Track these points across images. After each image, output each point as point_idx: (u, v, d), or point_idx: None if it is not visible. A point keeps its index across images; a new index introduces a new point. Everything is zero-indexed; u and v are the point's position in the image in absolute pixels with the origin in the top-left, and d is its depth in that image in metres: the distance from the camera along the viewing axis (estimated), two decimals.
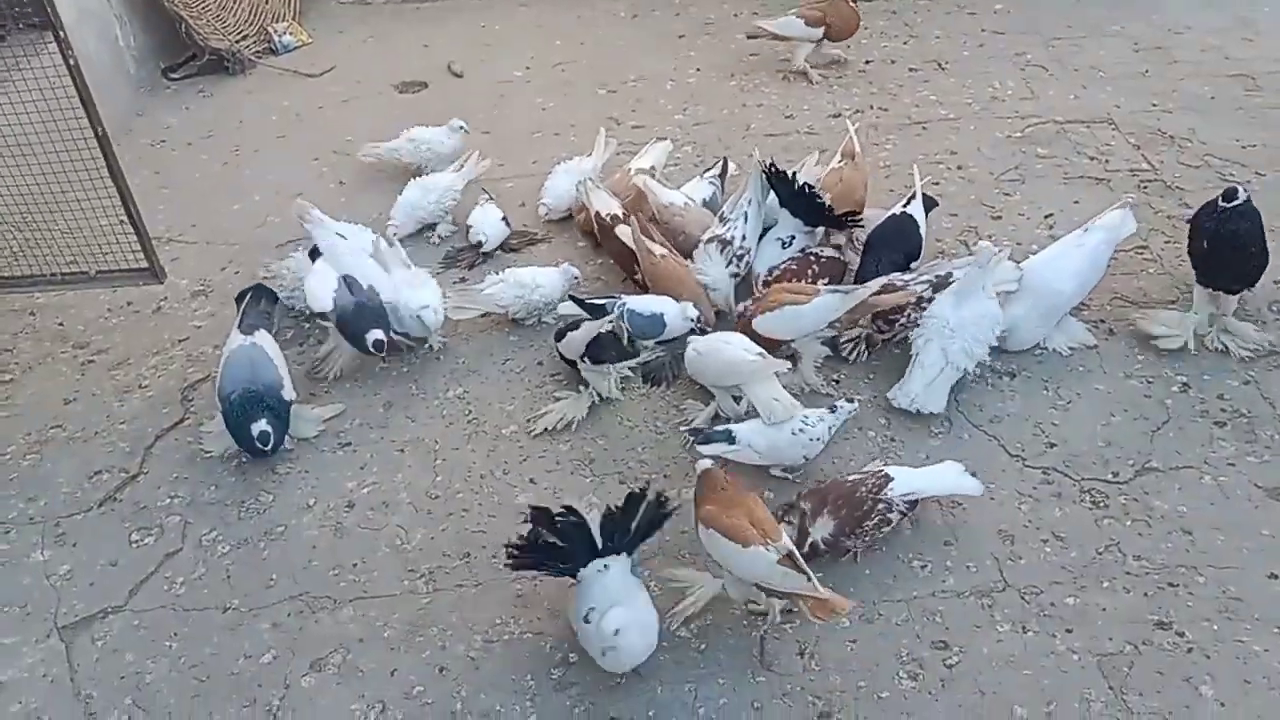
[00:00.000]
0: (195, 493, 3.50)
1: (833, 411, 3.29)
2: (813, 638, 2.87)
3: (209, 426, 3.64)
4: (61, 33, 3.19)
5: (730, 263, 3.93)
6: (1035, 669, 2.75)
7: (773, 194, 4.13)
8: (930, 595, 2.96)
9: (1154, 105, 5.20)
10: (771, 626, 2.89)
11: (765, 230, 4.14)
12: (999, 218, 4.52)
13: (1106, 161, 4.83)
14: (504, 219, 4.50)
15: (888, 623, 2.89)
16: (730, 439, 3.22)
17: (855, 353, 3.76)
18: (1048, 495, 3.23)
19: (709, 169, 4.69)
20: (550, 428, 3.61)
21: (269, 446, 3.40)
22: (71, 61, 3.21)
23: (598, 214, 4.17)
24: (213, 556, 3.28)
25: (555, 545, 2.80)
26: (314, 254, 4.01)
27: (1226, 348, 3.64)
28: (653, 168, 4.60)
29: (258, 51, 6.34)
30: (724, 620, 2.94)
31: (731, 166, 4.72)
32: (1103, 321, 3.86)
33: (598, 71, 5.95)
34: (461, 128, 5.07)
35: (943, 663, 2.78)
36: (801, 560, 2.73)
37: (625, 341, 3.69)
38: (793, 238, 4.07)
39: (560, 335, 3.74)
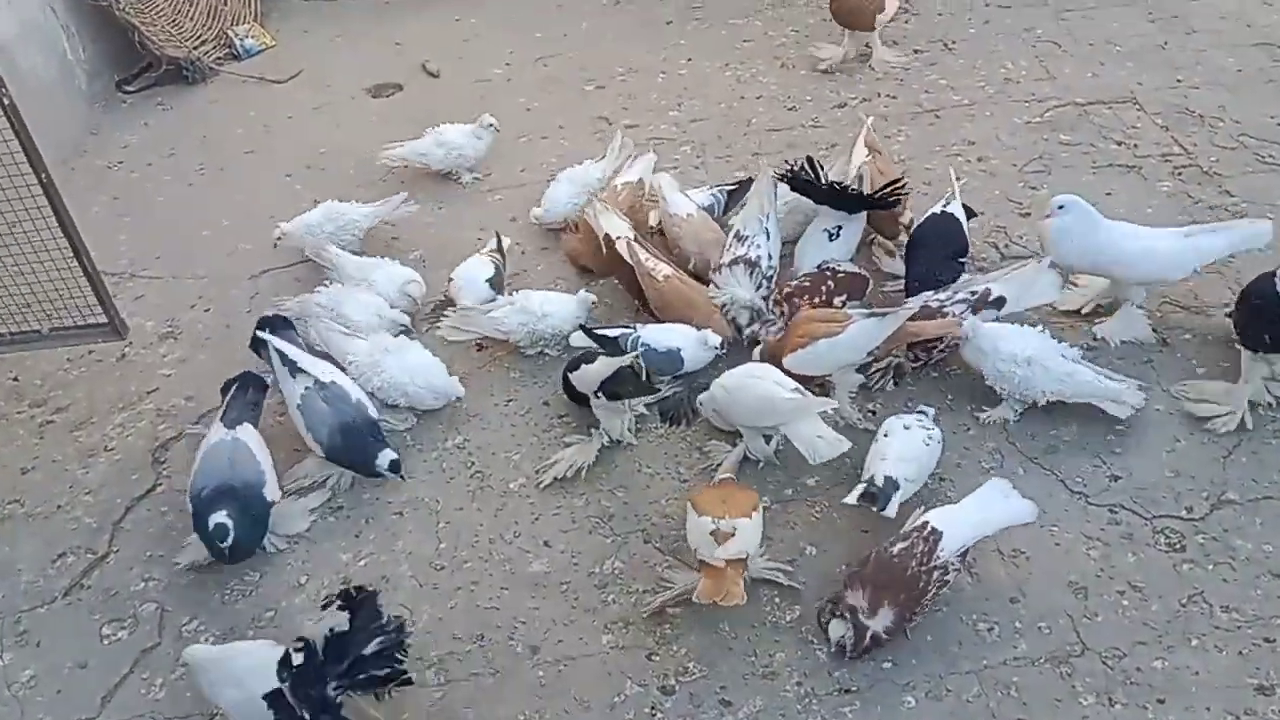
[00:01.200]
0: (172, 574, 3.16)
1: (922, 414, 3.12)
2: None
3: (190, 539, 3.15)
4: None
5: (760, 286, 3.59)
6: None
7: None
8: (1002, 664, 2.65)
9: (1178, 81, 4.87)
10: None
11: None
12: (1027, 214, 4.19)
13: (1135, 146, 4.51)
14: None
15: (958, 699, 2.59)
16: (897, 486, 2.90)
17: (883, 383, 3.44)
18: (1118, 538, 2.92)
19: (724, 184, 4.31)
20: (560, 477, 3.29)
21: (226, 543, 2.89)
22: (6, 101, 2.82)
23: (607, 237, 3.82)
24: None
25: None
26: (257, 340, 3.45)
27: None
28: (640, 181, 4.23)
29: (218, 58, 5.93)
30: (776, 704, 2.63)
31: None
32: (1154, 330, 3.54)
33: (583, 65, 5.57)
34: (492, 125, 4.71)
35: None
36: (736, 538, 2.72)
37: (644, 376, 3.34)
38: (839, 228, 3.76)
39: (574, 366, 3.40)
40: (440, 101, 5.44)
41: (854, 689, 2.62)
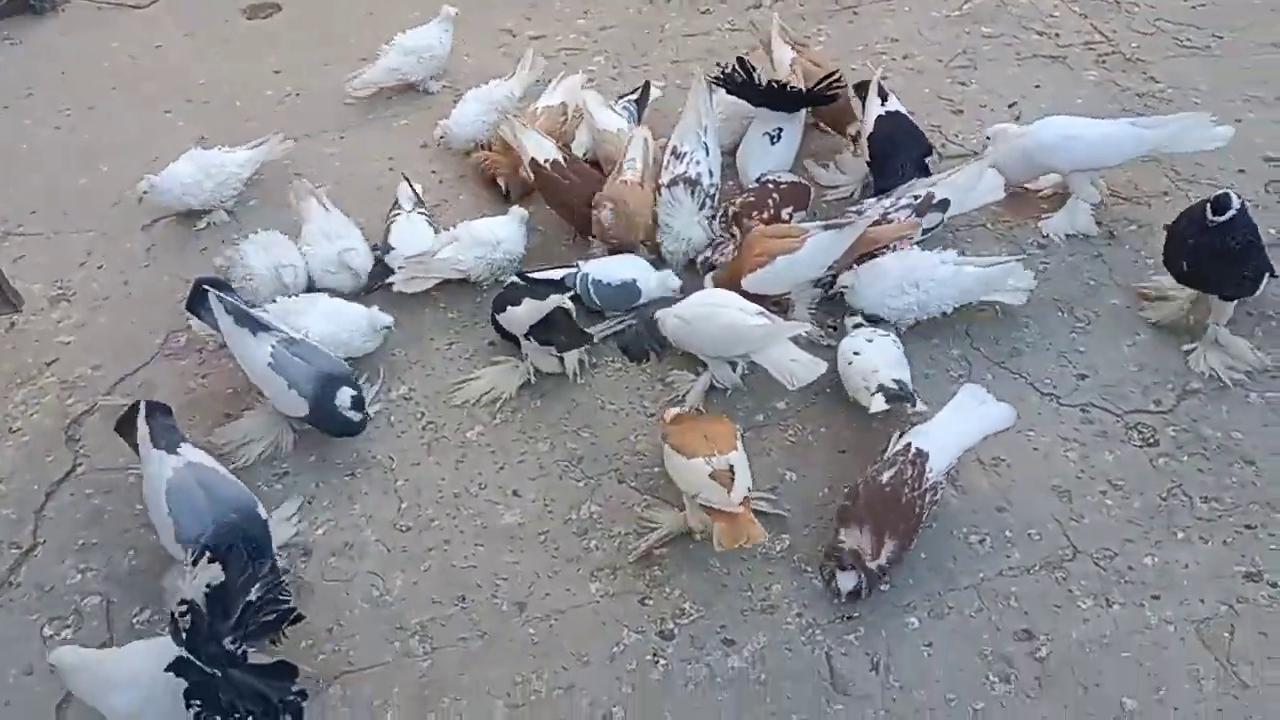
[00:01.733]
0: (110, 561, 2.89)
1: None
2: (883, 646, 2.54)
3: (168, 579, 2.75)
4: None
5: (703, 206, 3.43)
6: (1133, 649, 2.48)
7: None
8: (998, 575, 2.65)
9: None
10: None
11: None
12: (960, 112, 4.15)
13: (1057, 36, 4.49)
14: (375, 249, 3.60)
15: (961, 616, 2.58)
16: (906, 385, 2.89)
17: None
18: (1093, 437, 2.94)
19: (626, 95, 4.10)
20: (472, 400, 3.15)
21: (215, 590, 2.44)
22: None
23: (533, 161, 3.58)
24: None
25: None
26: (195, 299, 3.10)
27: (1215, 372, 3.02)
28: (563, 105, 3.98)
29: None
30: (779, 638, 2.58)
31: (654, 90, 4.15)
32: (1100, 224, 3.54)
33: None
34: (453, 14, 4.37)
35: (1032, 656, 2.49)
36: (739, 478, 2.60)
37: (579, 317, 3.19)
38: (780, 130, 3.65)
39: (500, 307, 3.21)
40: (324, 19, 5.06)
41: (856, 615, 2.58)
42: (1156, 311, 3.21)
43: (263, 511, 2.70)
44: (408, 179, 3.80)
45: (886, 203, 3.40)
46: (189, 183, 3.84)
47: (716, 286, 3.24)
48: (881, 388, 2.83)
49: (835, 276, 3.24)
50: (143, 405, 2.84)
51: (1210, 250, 2.92)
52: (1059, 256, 3.45)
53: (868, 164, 3.61)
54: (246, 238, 3.57)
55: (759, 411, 3.10)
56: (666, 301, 3.22)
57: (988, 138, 3.62)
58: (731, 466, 2.61)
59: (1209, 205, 2.88)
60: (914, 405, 2.84)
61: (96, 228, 3.98)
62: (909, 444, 2.68)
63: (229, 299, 3.04)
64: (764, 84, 3.58)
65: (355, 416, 3.00)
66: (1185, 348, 3.10)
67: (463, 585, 2.76)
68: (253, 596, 2.41)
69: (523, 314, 3.11)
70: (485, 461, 3.05)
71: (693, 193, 3.40)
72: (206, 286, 3.05)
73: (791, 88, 3.60)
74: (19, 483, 3.11)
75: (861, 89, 3.77)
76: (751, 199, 3.50)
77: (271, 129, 4.33)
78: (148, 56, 4.94)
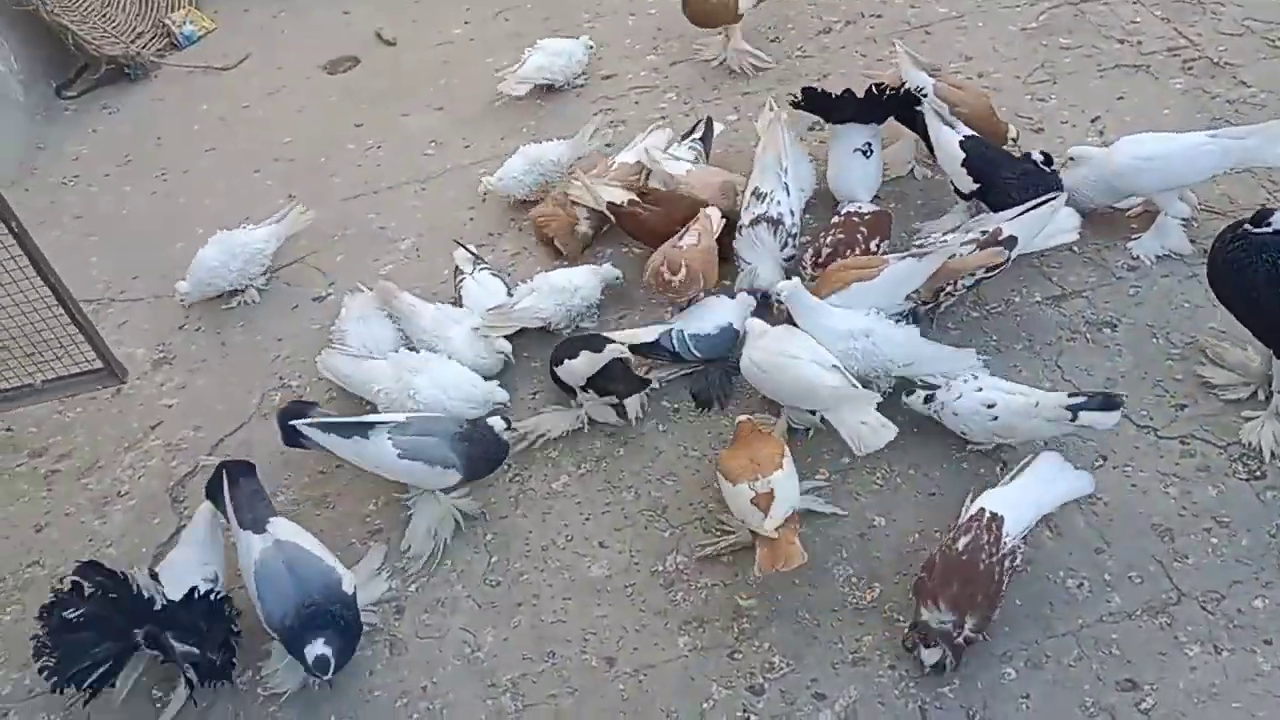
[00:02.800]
0: None
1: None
2: (979, 699, 2.49)
3: (270, 664, 2.83)
4: None
5: (785, 245, 3.41)
6: (1244, 699, 2.39)
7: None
8: (1098, 621, 2.57)
9: None
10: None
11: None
12: (1040, 130, 4.03)
13: (1139, 43, 4.33)
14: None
15: (1059, 665, 2.50)
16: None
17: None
18: (1194, 472, 2.83)
19: (688, 133, 4.09)
20: (530, 443, 3.19)
21: (329, 674, 2.61)
22: None
23: (610, 205, 3.65)
24: (256, 703, 2.80)
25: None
26: (289, 437, 2.99)
27: (1272, 450, 2.80)
28: (638, 164, 3.96)
29: (158, 50, 5.59)
30: (872, 691, 2.54)
31: (717, 126, 4.14)
32: (1194, 241, 3.42)
33: (546, 15, 5.29)
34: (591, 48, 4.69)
35: (1136, 708, 2.42)
36: (777, 504, 2.63)
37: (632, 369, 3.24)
38: (869, 144, 3.62)
39: (558, 360, 3.24)
40: (402, 70, 5.17)
41: (943, 667, 2.52)
42: (1216, 375, 3.02)
43: (349, 585, 2.74)
44: (460, 243, 3.83)
45: (950, 237, 3.31)
46: (215, 266, 3.91)
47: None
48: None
49: None
50: (225, 472, 2.88)
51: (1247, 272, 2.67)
52: (1151, 279, 3.34)
53: (969, 194, 3.50)
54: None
55: (845, 453, 3.05)
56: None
57: (1070, 158, 3.52)
58: (772, 490, 2.63)
59: (1250, 218, 2.69)
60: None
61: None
62: (982, 509, 2.59)
63: (321, 420, 3.00)
64: (848, 97, 3.59)
65: (508, 437, 3.07)
66: (1245, 413, 2.92)
67: (552, 640, 2.79)
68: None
69: (580, 366, 3.15)
70: (571, 513, 3.08)
71: (774, 232, 3.39)
72: (294, 424, 2.99)
73: (885, 91, 3.57)
74: (127, 545, 3.25)
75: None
76: (841, 236, 3.45)
77: (356, 183, 4.48)
78: (236, 117, 5.12)
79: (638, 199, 3.67)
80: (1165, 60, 4.21)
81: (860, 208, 3.57)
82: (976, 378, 2.91)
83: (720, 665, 2.65)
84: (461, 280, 3.61)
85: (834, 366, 2.87)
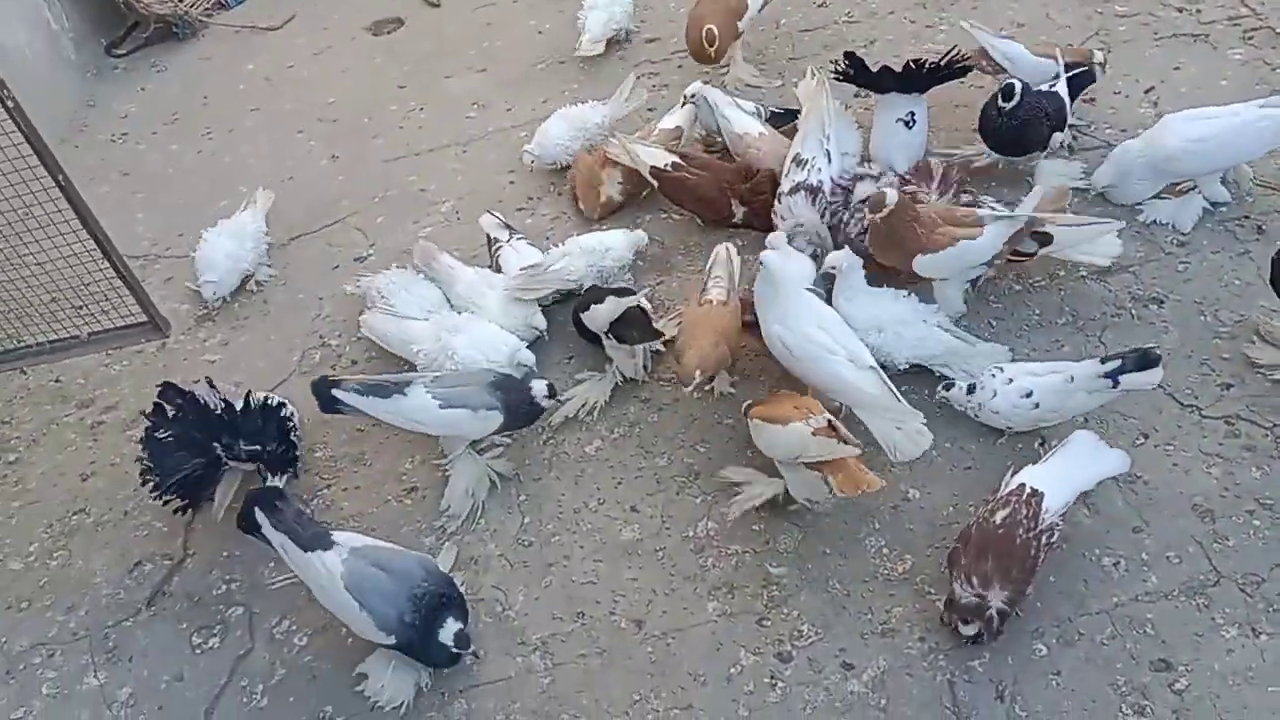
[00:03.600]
0: (253, 573, 3.05)
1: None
2: (1009, 674, 2.47)
3: (372, 683, 2.71)
4: None
5: (824, 214, 3.37)
6: None
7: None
8: (1133, 600, 2.54)
9: None
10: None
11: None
12: (1091, 100, 3.93)
13: (1198, 12, 4.21)
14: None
15: (1092, 643, 2.48)
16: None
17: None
18: (1238, 452, 2.77)
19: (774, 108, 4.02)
20: (571, 416, 3.19)
21: (470, 647, 2.61)
22: (10, 104, 2.60)
23: (653, 169, 3.62)
24: (290, 653, 2.86)
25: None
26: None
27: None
28: (678, 129, 3.94)
29: (206, 9, 5.63)
30: (900, 663, 2.53)
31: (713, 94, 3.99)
32: (1247, 218, 3.34)
33: None
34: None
35: (1170, 688, 2.38)
36: (842, 430, 2.65)
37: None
38: (912, 114, 3.55)
39: (584, 306, 3.27)
40: (446, 32, 5.16)
41: (981, 640, 2.50)
42: (1263, 354, 2.95)
43: (444, 565, 2.84)
44: (491, 212, 3.81)
45: (984, 212, 3.25)
46: (233, 251, 3.91)
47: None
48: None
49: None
50: (257, 504, 2.71)
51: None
52: (1201, 255, 3.26)
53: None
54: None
55: None
56: None
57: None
58: (830, 422, 2.64)
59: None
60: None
61: None
62: (1023, 484, 2.56)
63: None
64: (897, 69, 3.50)
65: (548, 404, 3.06)
66: None
67: (582, 601, 2.81)
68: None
69: (604, 311, 3.18)
70: (604, 476, 3.09)
71: (814, 200, 3.35)
72: (333, 391, 2.99)
73: (925, 65, 3.49)
74: None
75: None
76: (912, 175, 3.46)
77: (398, 145, 4.49)
78: (281, 76, 5.15)
79: (681, 162, 3.64)
80: (1225, 30, 4.09)
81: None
82: (1003, 369, 2.86)
83: (749, 631, 2.66)
84: (498, 248, 3.60)
85: (870, 367, 2.80)
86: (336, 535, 2.69)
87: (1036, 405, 2.78)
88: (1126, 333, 3.09)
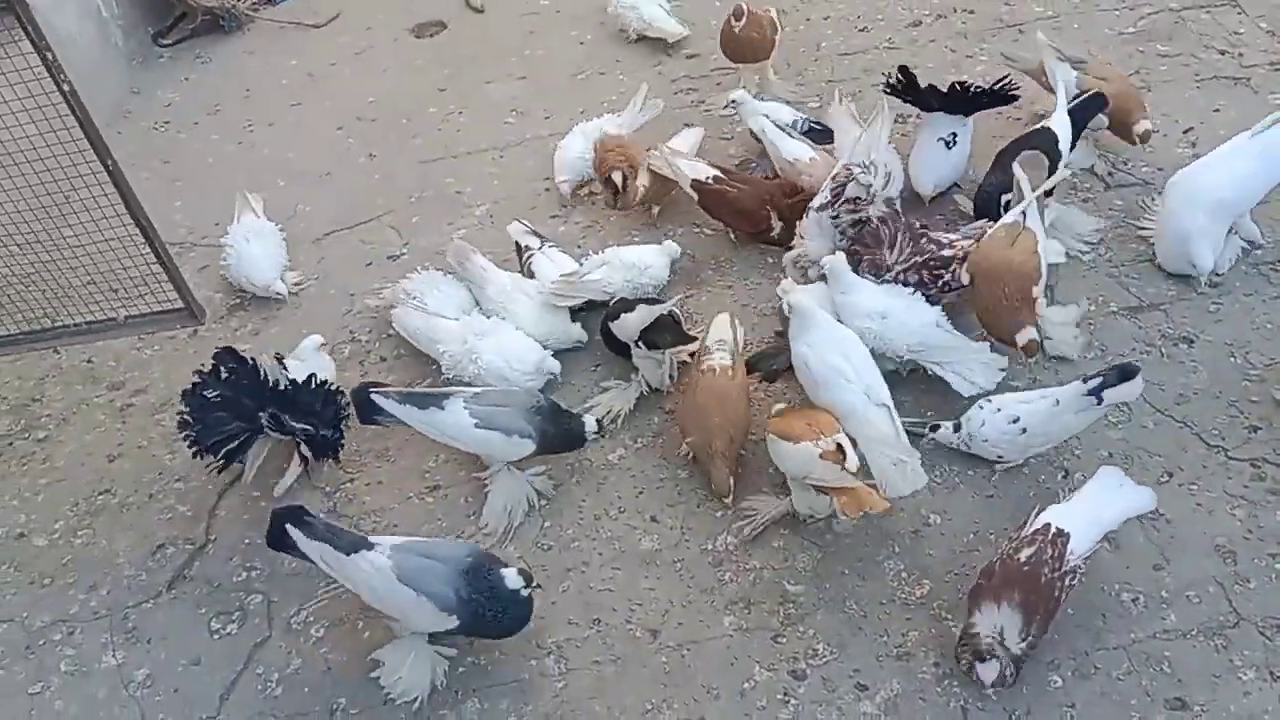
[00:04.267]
0: (273, 562, 3.08)
1: None
2: (1023, 704, 2.47)
3: (388, 673, 2.71)
4: (50, 54, 2.62)
5: (842, 234, 3.40)
6: None
7: None
8: (1151, 638, 2.53)
9: None
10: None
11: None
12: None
13: (1240, 55, 4.21)
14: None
15: (1108, 678, 2.48)
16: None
17: None
18: (1263, 495, 2.77)
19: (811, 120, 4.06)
20: (599, 420, 3.18)
21: (531, 586, 2.63)
22: (66, 88, 2.65)
23: (695, 181, 3.66)
24: (307, 643, 2.88)
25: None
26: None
27: None
28: (653, 150, 3.87)
29: (253, 3, 5.70)
30: (914, 687, 2.53)
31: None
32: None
33: None
34: None
35: None
36: (850, 452, 2.68)
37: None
38: (954, 135, 3.60)
39: (614, 315, 3.30)
40: (489, 38, 5.21)
41: (1005, 682, 2.49)
42: None
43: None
44: (520, 220, 3.84)
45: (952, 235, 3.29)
46: (273, 254, 3.96)
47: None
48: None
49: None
50: (286, 522, 2.66)
51: None
52: (1233, 296, 3.26)
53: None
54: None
55: None
56: None
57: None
58: (839, 445, 2.67)
59: None
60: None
61: None
62: (1049, 523, 2.53)
63: (397, 391, 2.99)
64: (946, 88, 3.56)
65: (592, 436, 3.06)
66: None
67: (599, 608, 2.82)
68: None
69: (635, 319, 3.22)
70: (625, 485, 3.11)
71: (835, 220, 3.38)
72: (371, 395, 2.98)
73: (973, 88, 3.53)
74: (196, 482, 3.34)
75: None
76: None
77: (436, 147, 4.54)
78: (323, 74, 5.21)
79: (723, 176, 3.67)
80: (1267, 74, 4.10)
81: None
82: (991, 400, 2.87)
83: (764, 647, 2.66)
84: (530, 256, 3.62)
85: (883, 404, 2.82)
86: (375, 538, 2.69)
87: (1024, 431, 2.79)
88: (1155, 371, 3.08)
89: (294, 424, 3.08)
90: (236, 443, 3.11)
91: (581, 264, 3.58)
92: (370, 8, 5.58)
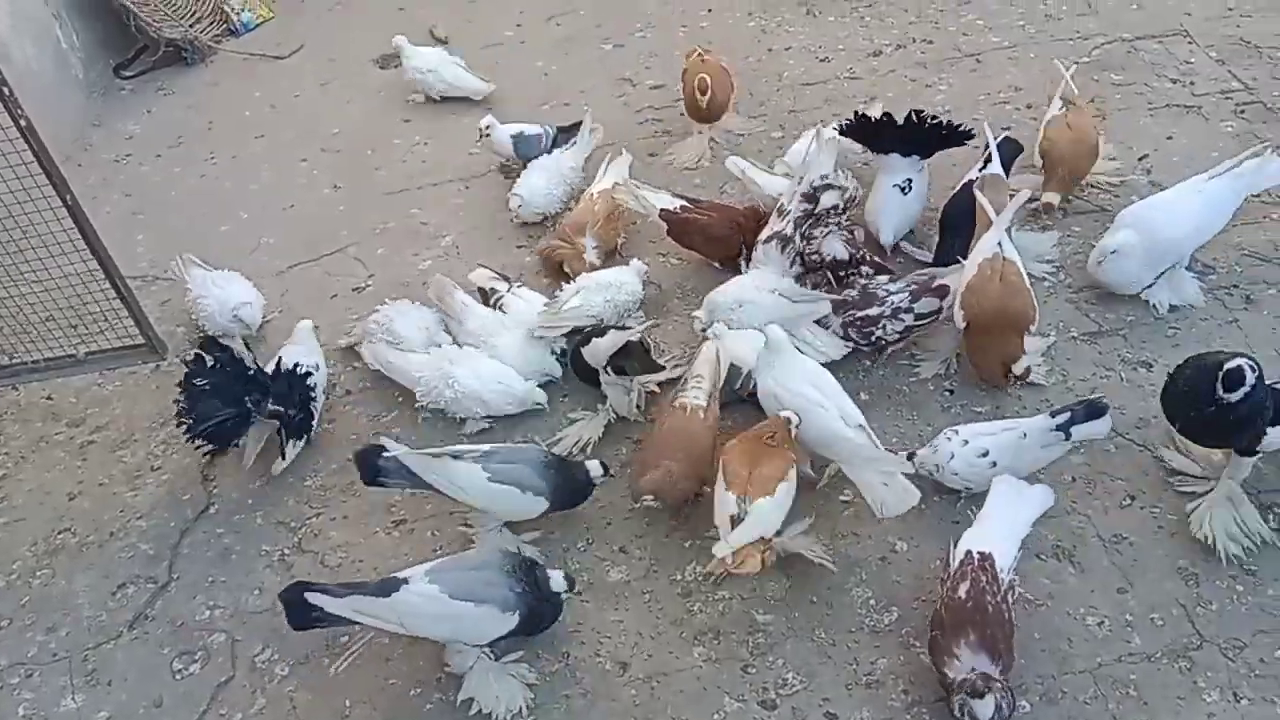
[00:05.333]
0: (237, 599, 3.05)
1: None
2: None
3: (478, 693, 2.68)
4: (6, 88, 2.60)
5: (793, 263, 3.43)
6: None
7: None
8: (1116, 661, 2.55)
9: (1229, 9, 4.64)
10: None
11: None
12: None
13: (1191, 84, 4.30)
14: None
15: (1075, 702, 2.49)
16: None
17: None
18: None
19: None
20: (569, 451, 3.20)
21: (574, 586, 2.75)
22: (23, 123, 2.63)
23: (663, 212, 3.69)
24: (271, 683, 2.84)
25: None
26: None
27: (1213, 539, 2.67)
28: (617, 185, 3.91)
29: (216, 35, 5.70)
30: (883, 715, 2.54)
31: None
32: (1236, 287, 3.40)
33: (599, 22, 5.35)
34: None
35: None
36: (743, 529, 2.65)
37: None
38: (909, 181, 3.62)
39: (585, 341, 3.30)
40: None
41: (1003, 713, 2.49)
42: (1175, 460, 2.90)
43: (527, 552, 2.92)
44: (482, 264, 3.82)
45: (894, 286, 3.33)
46: (250, 298, 3.87)
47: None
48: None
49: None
50: (305, 594, 2.58)
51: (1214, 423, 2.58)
52: (1190, 321, 3.32)
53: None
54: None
55: None
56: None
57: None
58: (747, 515, 2.65)
59: (1221, 377, 2.49)
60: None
61: (235, 272, 4.17)
62: (969, 551, 2.53)
63: (407, 450, 2.85)
64: (902, 121, 3.55)
65: (600, 480, 3.01)
66: (1189, 506, 2.77)
67: (567, 640, 2.81)
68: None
69: (605, 344, 3.23)
70: (594, 516, 3.10)
71: (783, 249, 3.42)
72: (383, 454, 2.86)
73: (930, 120, 3.55)
74: (158, 519, 3.30)
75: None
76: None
77: (400, 178, 4.54)
78: (287, 105, 5.20)
79: (690, 205, 3.70)
80: (1218, 103, 4.18)
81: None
82: (957, 433, 2.87)
83: (733, 678, 2.66)
84: (500, 299, 3.60)
85: (860, 426, 2.84)
86: (404, 572, 2.64)
87: (994, 464, 2.80)
88: (1115, 394, 3.12)
89: (270, 406, 3.20)
90: (228, 425, 3.20)
91: (557, 295, 3.56)
92: (335, 39, 5.59)
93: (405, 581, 2.60)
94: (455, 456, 2.87)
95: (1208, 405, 2.51)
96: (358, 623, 2.59)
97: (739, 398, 3.22)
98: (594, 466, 2.98)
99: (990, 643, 2.38)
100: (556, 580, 2.68)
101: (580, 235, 3.77)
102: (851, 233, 3.53)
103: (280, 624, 2.89)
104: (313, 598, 2.56)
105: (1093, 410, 2.76)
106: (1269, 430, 2.58)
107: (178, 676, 2.88)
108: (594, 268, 3.72)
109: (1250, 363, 2.48)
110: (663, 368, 3.32)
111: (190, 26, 5.56)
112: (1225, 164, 3.37)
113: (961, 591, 2.45)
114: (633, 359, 3.26)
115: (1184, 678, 2.50)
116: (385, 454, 2.83)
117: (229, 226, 4.45)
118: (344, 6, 5.87)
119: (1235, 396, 2.47)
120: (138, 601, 3.08)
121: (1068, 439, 2.76)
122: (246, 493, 3.30)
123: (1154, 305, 3.34)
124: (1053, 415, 2.78)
